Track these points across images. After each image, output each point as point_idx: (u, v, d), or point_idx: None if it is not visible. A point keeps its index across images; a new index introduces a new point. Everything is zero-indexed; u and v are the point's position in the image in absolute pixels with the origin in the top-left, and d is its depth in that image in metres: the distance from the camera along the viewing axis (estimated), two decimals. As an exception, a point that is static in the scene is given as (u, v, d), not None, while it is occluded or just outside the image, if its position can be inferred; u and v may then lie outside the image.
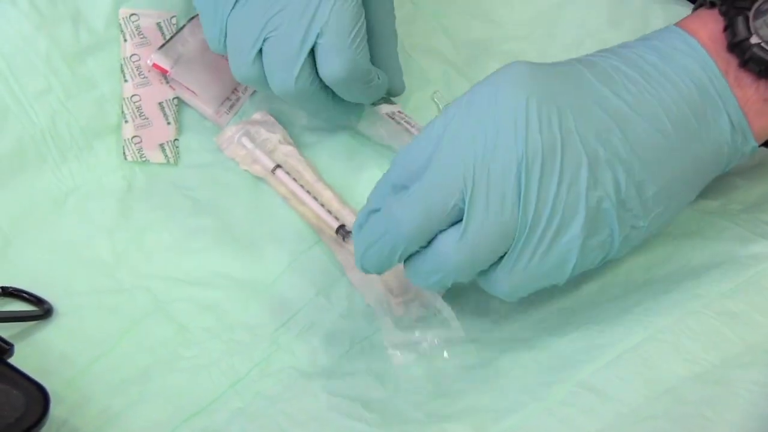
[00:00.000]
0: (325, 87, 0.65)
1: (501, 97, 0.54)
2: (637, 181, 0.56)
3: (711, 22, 0.59)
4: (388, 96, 0.72)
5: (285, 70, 0.63)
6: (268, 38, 0.63)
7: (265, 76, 0.65)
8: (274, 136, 0.72)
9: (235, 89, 0.73)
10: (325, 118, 0.69)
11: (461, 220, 0.55)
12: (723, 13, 0.59)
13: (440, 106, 0.74)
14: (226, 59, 0.73)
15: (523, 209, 0.54)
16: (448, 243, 0.55)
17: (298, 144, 0.72)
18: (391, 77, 0.70)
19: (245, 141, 0.71)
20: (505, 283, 0.57)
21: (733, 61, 0.58)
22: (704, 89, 0.57)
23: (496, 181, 0.54)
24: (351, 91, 0.65)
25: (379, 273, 0.59)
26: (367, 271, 0.59)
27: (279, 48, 0.63)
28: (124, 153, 0.70)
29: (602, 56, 0.58)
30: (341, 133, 0.73)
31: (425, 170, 0.55)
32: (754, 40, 0.57)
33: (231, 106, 0.73)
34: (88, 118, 0.70)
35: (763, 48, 0.57)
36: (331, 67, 0.63)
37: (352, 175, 0.71)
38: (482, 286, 0.58)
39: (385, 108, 0.71)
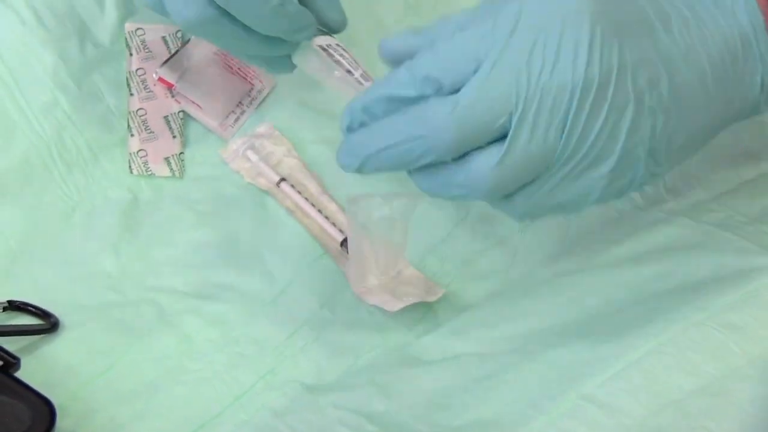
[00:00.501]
0: (230, 16, 0.59)
1: (568, 16, 0.52)
2: (669, 132, 0.55)
3: None
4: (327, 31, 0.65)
5: None
6: None
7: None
8: (279, 149, 0.72)
9: (240, 102, 0.74)
10: (253, 58, 0.64)
11: (499, 139, 0.53)
12: None
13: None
14: (232, 73, 0.74)
15: (565, 139, 0.52)
16: (485, 164, 0.53)
17: (303, 157, 0.72)
18: (322, 6, 0.63)
19: (250, 154, 0.72)
20: (521, 207, 0.55)
21: None
22: (748, 44, 0.56)
23: (546, 104, 0.52)
24: (250, 15, 0.59)
25: (376, 172, 0.56)
26: (360, 170, 0.56)
27: None
28: (129, 166, 0.70)
29: None
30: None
31: (478, 75, 0.52)
32: None
33: (236, 119, 0.73)
34: (94, 131, 0.71)
35: None
36: None
37: (358, 188, 0.72)
38: (493, 206, 0.57)
39: (319, 40, 0.63)
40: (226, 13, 0.59)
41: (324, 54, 0.62)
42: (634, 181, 0.56)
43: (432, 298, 0.66)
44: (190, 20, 0.59)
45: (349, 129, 0.56)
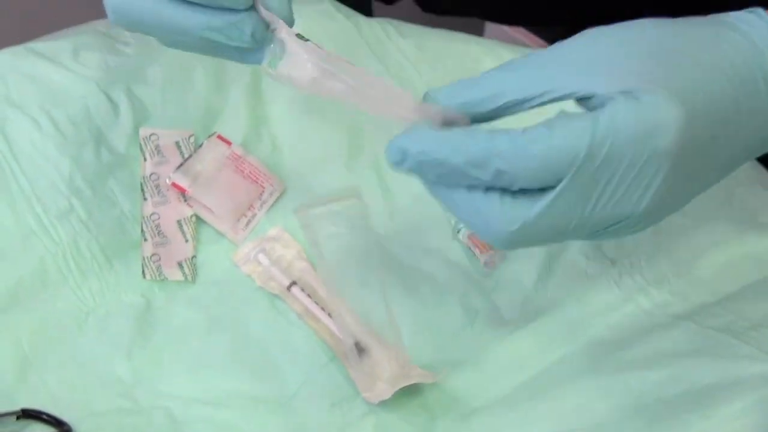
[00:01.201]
0: None
1: (653, 156, 0.53)
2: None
3: None
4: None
5: None
6: None
7: None
8: (289, 253, 0.73)
9: (252, 206, 0.75)
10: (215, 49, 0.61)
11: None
12: None
13: (452, 221, 0.75)
14: (243, 177, 0.75)
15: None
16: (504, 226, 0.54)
17: (313, 259, 0.73)
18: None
19: (261, 258, 0.73)
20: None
21: None
22: None
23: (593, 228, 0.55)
24: None
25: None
26: (411, 165, 0.55)
27: None
28: (143, 271, 0.72)
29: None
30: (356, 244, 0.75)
31: (552, 197, 0.53)
32: None
33: (247, 223, 0.75)
34: (108, 236, 0.72)
35: None
36: None
37: (365, 288, 0.73)
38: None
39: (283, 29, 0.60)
40: None
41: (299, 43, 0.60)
42: None
43: (428, 380, 0.67)
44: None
45: (397, 165, 0.56)
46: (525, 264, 0.74)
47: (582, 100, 0.55)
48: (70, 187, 0.72)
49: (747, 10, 0.59)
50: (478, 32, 1.70)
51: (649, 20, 0.57)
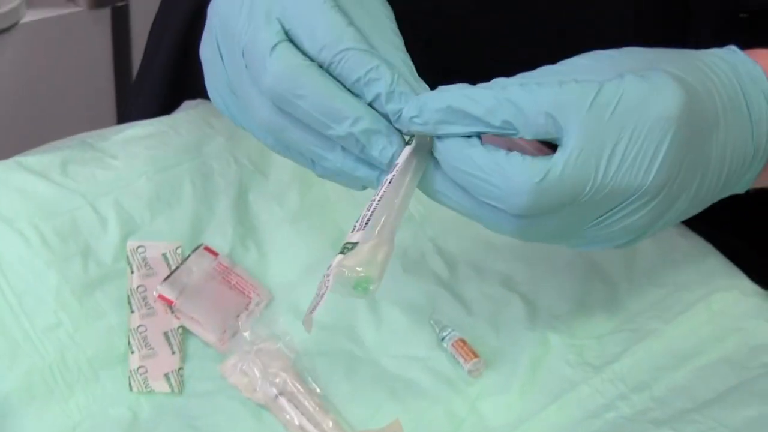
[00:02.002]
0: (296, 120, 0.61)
1: (657, 121, 0.56)
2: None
3: None
4: None
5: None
6: None
7: None
8: (275, 364, 0.74)
9: (238, 316, 0.76)
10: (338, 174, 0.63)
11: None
12: None
13: (436, 329, 0.76)
14: (230, 287, 0.76)
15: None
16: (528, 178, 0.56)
17: (300, 369, 0.74)
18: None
19: (248, 369, 0.73)
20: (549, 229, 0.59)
21: None
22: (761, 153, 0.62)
23: (609, 199, 0.58)
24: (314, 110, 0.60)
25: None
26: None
27: None
28: (129, 384, 0.72)
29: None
30: (340, 354, 0.75)
31: (565, 158, 0.56)
32: None
33: (234, 333, 0.75)
34: (95, 349, 0.72)
35: None
36: None
37: (353, 408, 0.73)
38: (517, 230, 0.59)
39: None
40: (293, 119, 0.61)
41: None
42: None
43: None
44: (259, 125, 0.62)
45: (411, 119, 0.58)
46: (509, 371, 0.74)
47: None
48: (57, 300, 0.72)
49: (723, 48, 0.64)
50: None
51: (635, 47, 0.62)
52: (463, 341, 0.75)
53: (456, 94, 0.57)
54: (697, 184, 0.60)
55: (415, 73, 0.61)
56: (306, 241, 0.80)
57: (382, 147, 0.59)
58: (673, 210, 0.60)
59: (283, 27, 0.59)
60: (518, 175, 0.55)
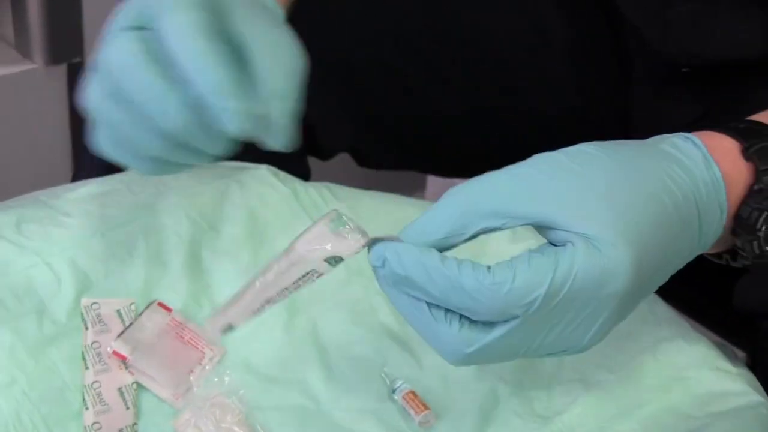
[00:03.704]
0: None
1: (602, 300, 0.58)
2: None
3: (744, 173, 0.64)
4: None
5: None
6: None
7: None
8: (229, 418, 0.74)
9: (192, 371, 0.77)
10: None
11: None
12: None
13: (387, 381, 0.77)
14: (184, 343, 0.77)
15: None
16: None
17: (254, 424, 0.75)
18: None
19: (201, 423, 0.74)
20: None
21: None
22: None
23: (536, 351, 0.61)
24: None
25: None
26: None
27: None
28: (83, 440, 0.73)
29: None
30: (293, 408, 0.76)
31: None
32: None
33: (188, 389, 0.76)
34: (50, 406, 0.73)
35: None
36: None
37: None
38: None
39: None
40: None
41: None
42: None
43: None
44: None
45: (377, 269, 0.61)
46: (459, 423, 0.76)
47: (541, 227, 0.59)
48: (11, 358, 0.73)
49: (682, 136, 0.64)
50: (422, 179, 1.74)
51: (595, 147, 0.61)
52: (414, 393, 0.76)
53: (416, 265, 0.58)
54: (639, 303, 0.63)
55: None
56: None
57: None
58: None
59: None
60: (451, 344, 0.59)
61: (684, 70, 0.90)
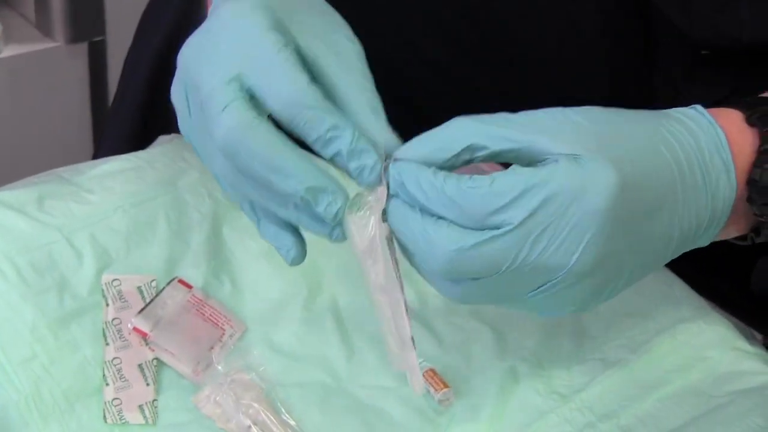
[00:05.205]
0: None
1: (585, 215, 0.58)
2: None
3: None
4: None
5: None
6: None
7: None
8: (249, 395, 0.75)
9: (212, 347, 0.77)
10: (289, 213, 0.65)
11: None
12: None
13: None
14: (204, 320, 0.77)
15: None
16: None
17: (274, 400, 0.75)
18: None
19: (221, 400, 0.74)
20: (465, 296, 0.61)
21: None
22: (715, 221, 0.63)
23: (530, 274, 0.60)
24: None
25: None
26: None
27: None
28: (104, 416, 0.73)
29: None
30: (313, 385, 0.76)
31: (492, 237, 0.58)
32: None
33: (208, 365, 0.76)
34: (70, 381, 0.73)
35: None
36: None
37: (324, 429, 0.74)
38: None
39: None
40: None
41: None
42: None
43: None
44: (216, 174, 0.65)
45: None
46: (478, 401, 0.76)
47: (531, 157, 0.59)
48: (33, 333, 0.73)
49: (690, 106, 0.64)
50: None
51: (600, 107, 0.62)
52: (434, 371, 0.76)
53: (410, 176, 0.59)
54: (640, 262, 0.61)
55: (382, 115, 0.63)
56: (279, 274, 0.81)
57: (327, 203, 0.61)
58: (615, 284, 0.61)
59: (243, 83, 0.61)
60: (438, 240, 0.58)
61: (704, 52, 0.89)
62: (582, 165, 0.57)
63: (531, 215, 0.57)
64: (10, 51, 1.49)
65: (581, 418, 0.74)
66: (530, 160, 0.59)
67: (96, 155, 1.01)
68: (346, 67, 0.63)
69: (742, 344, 0.79)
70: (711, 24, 0.85)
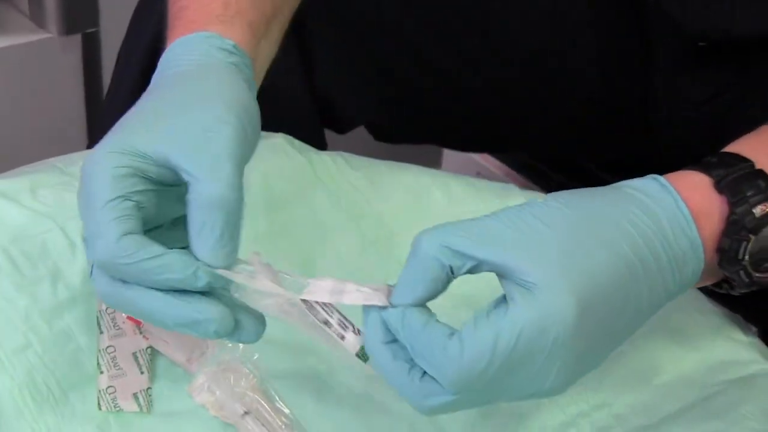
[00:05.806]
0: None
1: (557, 339, 0.58)
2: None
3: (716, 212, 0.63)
4: None
5: None
6: None
7: None
8: (243, 383, 0.75)
9: (206, 336, 0.77)
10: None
11: None
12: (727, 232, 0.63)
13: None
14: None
15: None
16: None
17: (268, 389, 0.75)
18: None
19: (215, 387, 0.74)
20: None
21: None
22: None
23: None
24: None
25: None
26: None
27: None
28: (98, 403, 0.73)
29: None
30: (307, 374, 0.76)
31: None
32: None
33: (202, 353, 0.76)
34: (64, 370, 0.73)
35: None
36: None
37: (318, 417, 0.74)
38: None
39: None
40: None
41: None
42: None
43: None
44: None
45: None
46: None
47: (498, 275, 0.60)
48: (26, 323, 0.73)
49: (650, 177, 0.64)
50: (437, 154, 1.74)
51: (561, 201, 0.61)
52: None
53: (400, 326, 0.61)
54: (613, 343, 0.62)
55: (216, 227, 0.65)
56: (272, 262, 0.81)
57: (213, 330, 0.64)
58: (594, 366, 0.62)
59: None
60: (415, 397, 0.60)
61: (701, 44, 0.89)
62: (538, 299, 0.57)
63: (501, 365, 0.58)
64: (3, 42, 1.49)
65: (575, 409, 0.74)
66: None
67: (90, 146, 1.01)
68: (196, 166, 0.64)
69: (736, 334, 0.79)
70: (703, 15, 0.85)
